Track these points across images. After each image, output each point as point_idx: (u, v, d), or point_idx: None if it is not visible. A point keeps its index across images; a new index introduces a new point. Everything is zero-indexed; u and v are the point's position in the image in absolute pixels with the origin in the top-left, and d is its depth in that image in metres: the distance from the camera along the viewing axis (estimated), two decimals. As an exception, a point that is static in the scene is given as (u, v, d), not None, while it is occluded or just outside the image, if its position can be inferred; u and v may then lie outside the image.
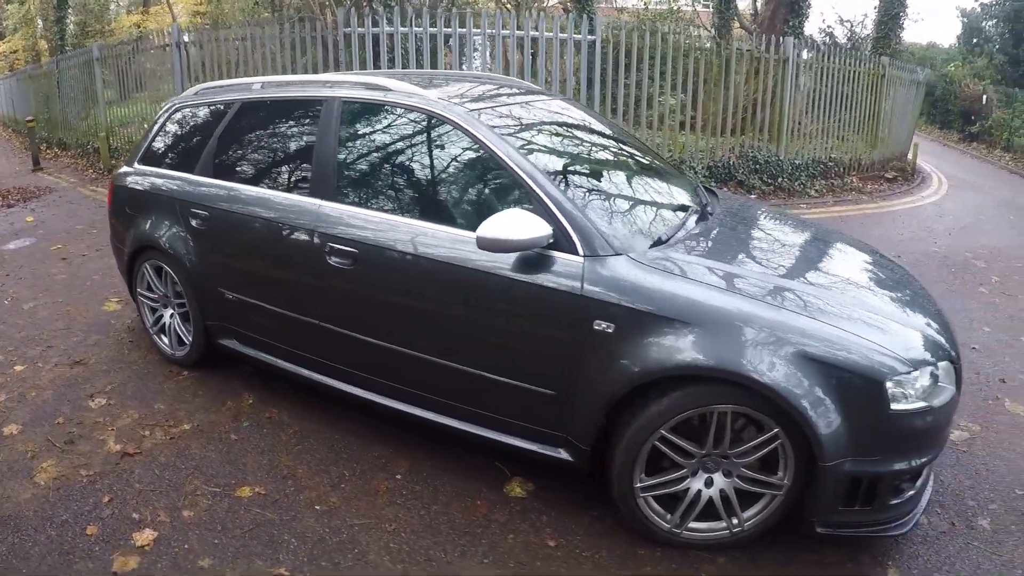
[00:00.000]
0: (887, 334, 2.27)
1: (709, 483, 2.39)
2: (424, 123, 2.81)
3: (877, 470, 2.22)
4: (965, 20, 24.10)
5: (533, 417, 2.54)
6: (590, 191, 2.76)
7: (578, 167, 2.97)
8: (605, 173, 3.03)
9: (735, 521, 2.39)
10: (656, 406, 2.28)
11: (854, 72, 9.94)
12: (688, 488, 2.39)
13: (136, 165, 3.79)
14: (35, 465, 2.87)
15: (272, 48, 8.47)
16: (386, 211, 2.78)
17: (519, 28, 8.04)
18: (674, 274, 2.36)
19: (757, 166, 7.59)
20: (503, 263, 2.44)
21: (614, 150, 3.37)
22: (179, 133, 3.68)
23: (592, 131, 3.36)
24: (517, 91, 3.35)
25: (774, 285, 2.42)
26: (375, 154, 2.98)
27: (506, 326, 2.50)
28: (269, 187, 3.11)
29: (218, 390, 3.43)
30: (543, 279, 2.39)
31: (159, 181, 3.59)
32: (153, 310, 3.80)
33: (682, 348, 2.21)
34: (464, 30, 8.02)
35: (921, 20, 49.15)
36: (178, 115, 3.70)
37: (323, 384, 3.05)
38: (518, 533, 2.51)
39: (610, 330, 2.31)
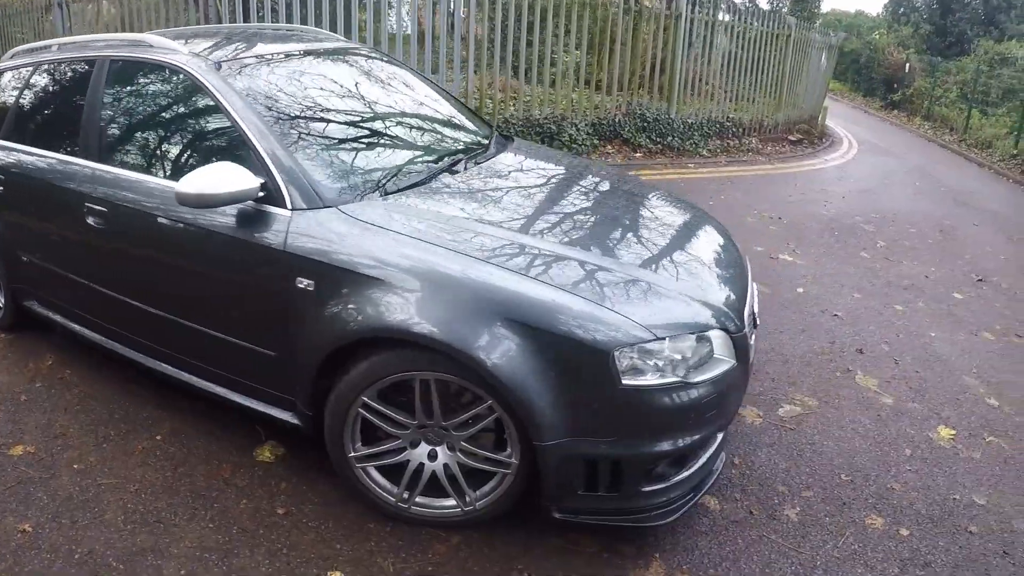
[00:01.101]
0: (632, 301, 2.02)
1: (433, 456, 2.21)
2: (174, 79, 2.74)
3: (617, 452, 1.98)
4: (893, -11, 24.54)
5: (264, 379, 2.46)
6: (324, 146, 2.57)
7: (327, 122, 2.72)
8: (359, 128, 2.83)
9: (467, 499, 2.21)
10: (355, 371, 2.12)
11: (764, 34, 9.82)
12: (408, 460, 2.23)
13: None
14: None
15: (148, 4, 7.88)
16: (133, 169, 2.74)
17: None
18: (382, 228, 2.16)
19: (645, 124, 7.35)
20: (224, 219, 2.33)
21: (394, 107, 3.08)
22: None
23: (388, 88, 3.18)
24: (315, 48, 3.14)
25: (507, 242, 2.17)
26: (133, 112, 2.92)
27: (227, 285, 2.44)
28: (51, 150, 3.09)
29: (26, 352, 3.35)
30: (251, 235, 2.28)
31: None
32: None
33: (377, 309, 2.04)
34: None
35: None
36: None
37: (101, 344, 3.02)
38: (252, 499, 2.41)
39: (311, 288, 2.17)
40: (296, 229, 2.22)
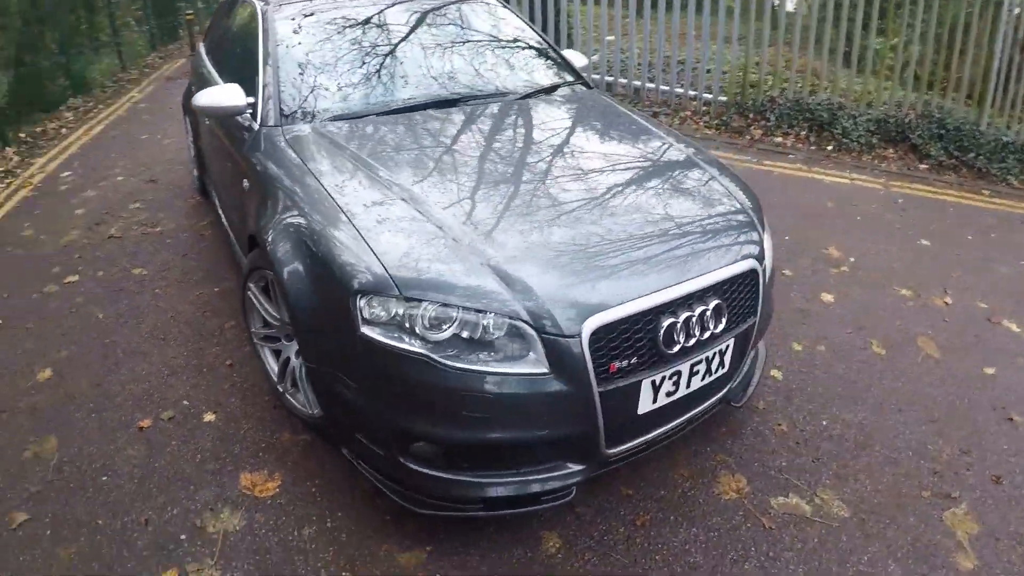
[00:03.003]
0: (409, 254, 1.97)
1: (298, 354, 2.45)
2: (248, 12, 3.56)
3: (364, 405, 2.04)
4: None
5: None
6: (315, 80, 2.93)
7: (336, 61, 3.04)
8: (366, 67, 3.06)
9: (309, 400, 2.39)
10: (247, 259, 2.75)
11: None
12: (282, 351, 2.57)
13: None
14: None
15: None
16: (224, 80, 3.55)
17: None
18: (285, 148, 2.57)
19: (942, 131, 5.49)
20: (241, 124, 2.96)
21: (435, 48, 3.25)
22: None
23: (448, 32, 3.39)
24: None
25: (364, 177, 2.35)
26: (234, 38, 3.80)
27: (232, 174, 3.13)
28: (219, 73, 3.96)
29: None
30: (239, 138, 2.90)
31: None
32: None
33: (256, 210, 2.55)
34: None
35: None
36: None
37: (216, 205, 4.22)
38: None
39: (247, 187, 2.77)
40: (253, 140, 2.74)
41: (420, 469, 1.99)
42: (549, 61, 3.51)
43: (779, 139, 6.12)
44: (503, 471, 2.00)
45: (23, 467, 2.60)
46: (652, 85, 7.02)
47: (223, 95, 2.83)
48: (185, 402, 2.90)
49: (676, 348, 1.98)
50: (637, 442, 2.10)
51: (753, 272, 2.22)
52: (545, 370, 1.83)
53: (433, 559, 2.16)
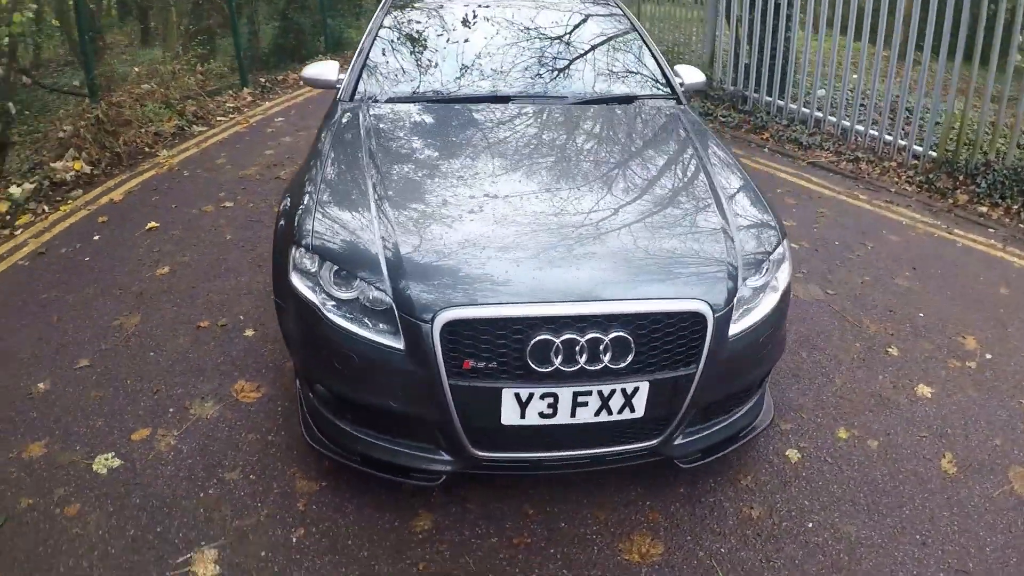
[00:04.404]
0: (348, 224, 2.19)
1: None
2: None
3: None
4: None
5: None
6: (403, 65, 3.24)
7: (425, 49, 3.34)
8: (453, 56, 3.27)
9: None
10: None
11: None
12: None
13: None
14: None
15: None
16: None
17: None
18: (354, 115, 2.89)
19: None
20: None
21: (526, 45, 3.36)
22: None
23: (551, 31, 3.46)
24: None
25: (379, 138, 2.65)
26: None
27: None
28: None
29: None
30: (332, 107, 3.11)
31: None
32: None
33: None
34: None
35: None
36: None
37: None
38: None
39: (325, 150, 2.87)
40: (329, 110, 3.05)
41: (320, 409, 2.16)
42: (643, 71, 3.39)
43: (984, 208, 5.14)
44: (381, 435, 2.10)
45: (107, 330, 3.23)
46: (861, 128, 6.30)
47: (322, 69, 3.26)
48: (241, 317, 3.34)
49: (549, 368, 1.86)
50: (513, 456, 2.05)
51: (698, 316, 1.96)
52: (401, 348, 1.90)
53: (321, 495, 2.32)
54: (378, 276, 1.97)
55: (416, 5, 3.66)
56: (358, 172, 2.42)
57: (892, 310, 3.69)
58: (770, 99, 7.12)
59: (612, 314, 1.89)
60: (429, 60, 3.27)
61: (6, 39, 5.15)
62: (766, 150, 6.42)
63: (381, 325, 1.95)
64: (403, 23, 3.49)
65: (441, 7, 3.61)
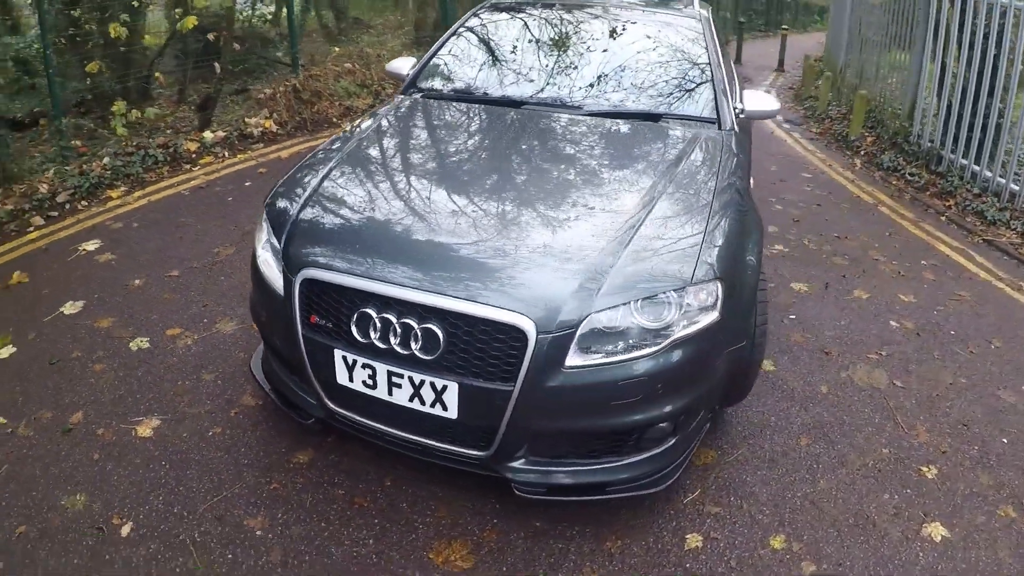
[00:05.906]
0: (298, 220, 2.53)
1: None
2: None
3: None
4: None
5: None
6: (473, 58, 3.77)
7: (493, 48, 3.75)
8: (515, 58, 3.64)
9: None
10: None
11: None
12: None
13: None
14: None
15: None
16: None
17: None
18: (417, 99, 3.54)
19: None
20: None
21: (582, 52, 3.60)
22: None
23: (612, 40, 3.67)
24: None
25: (398, 143, 3.17)
26: None
27: None
28: None
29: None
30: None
31: None
32: None
33: None
34: None
35: None
36: None
37: None
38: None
39: None
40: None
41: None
42: (690, 91, 3.37)
43: None
44: (284, 370, 2.56)
45: (205, 254, 4.25)
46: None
47: (400, 64, 3.84)
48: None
49: (365, 340, 2.14)
50: (355, 417, 2.31)
51: (517, 331, 2.01)
52: (281, 295, 2.35)
53: (252, 411, 2.92)
54: (281, 232, 2.45)
55: (502, 6, 4.06)
56: (337, 150, 2.94)
57: (967, 424, 3.02)
58: (965, 162, 6.24)
59: (429, 306, 2.06)
60: (476, 61, 3.73)
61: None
62: (943, 218, 5.59)
63: (279, 274, 2.39)
64: (471, 27, 3.93)
65: (518, 12, 3.97)
